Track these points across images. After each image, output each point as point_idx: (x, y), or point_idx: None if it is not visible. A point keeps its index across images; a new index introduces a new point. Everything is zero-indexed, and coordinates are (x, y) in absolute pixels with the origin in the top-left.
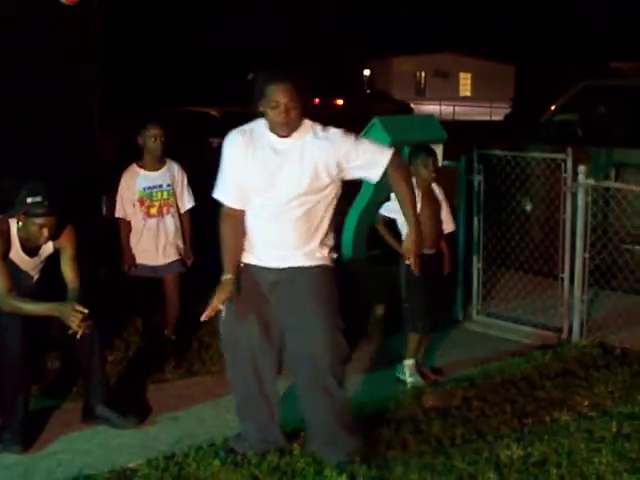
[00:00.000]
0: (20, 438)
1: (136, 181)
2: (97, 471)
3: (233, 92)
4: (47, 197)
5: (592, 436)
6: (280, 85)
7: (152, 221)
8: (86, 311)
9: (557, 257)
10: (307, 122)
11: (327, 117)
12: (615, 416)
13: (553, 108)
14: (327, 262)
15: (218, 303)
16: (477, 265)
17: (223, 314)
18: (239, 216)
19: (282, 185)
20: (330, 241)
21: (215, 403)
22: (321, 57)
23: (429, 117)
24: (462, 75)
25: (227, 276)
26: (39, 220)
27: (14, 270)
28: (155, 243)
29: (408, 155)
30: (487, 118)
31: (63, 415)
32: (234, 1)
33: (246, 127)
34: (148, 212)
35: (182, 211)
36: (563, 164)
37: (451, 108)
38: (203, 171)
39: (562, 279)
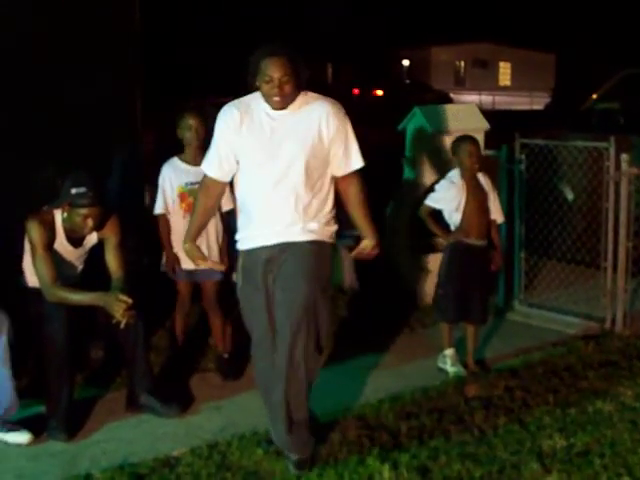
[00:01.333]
0: (65, 426)
1: (177, 175)
2: (141, 459)
3: None
4: (91, 188)
5: (636, 426)
6: (273, 59)
7: None
8: (130, 301)
9: (600, 246)
10: (303, 93)
11: (366, 107)
12: None
13: (594, 97)
14: (322, 237)
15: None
16: (519, 255)
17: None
18: (216, 189)
19: (280, 154)
20: (330, 214)
21: (258, 392)
22: (360, 48)
23: (470, 106)
24: (502, 64)
25: (187, 245)
26: (83, 210)
27: (59, 261)
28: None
29: (451, 145)
30: (527, 107)
31: (107, 404)
32: None
33: (242, 99)
34: (190, 210)
35: (221, 211)
36: (606, 153)
37: (491, 98)
38: None
39: (605, 268)
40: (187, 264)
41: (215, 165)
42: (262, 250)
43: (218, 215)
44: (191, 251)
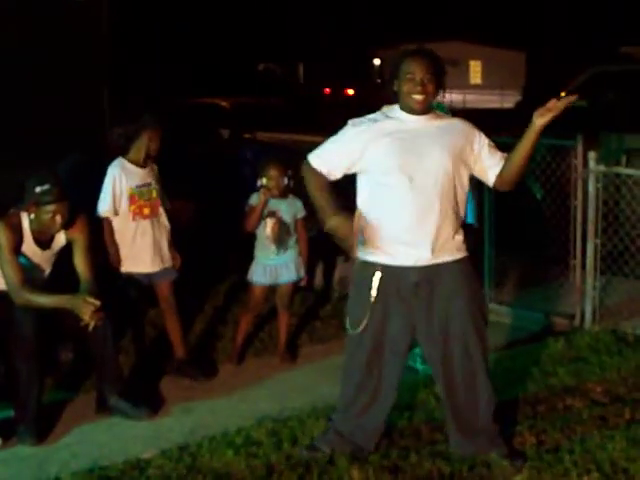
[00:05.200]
0: (34, 430)
1: (127, 177)
2: (111, 462)
3: (243, 83)
4: (56, 184)
5: (605, 423)
6: (418, 58)
7: (146, 223)
8: (98, 303)
9: (568, 243)
10: (434, 110)
11: (338, 107)
12: (628, 402)
13: (563, 94)
14: (466, 252)
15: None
16: (489, 253)
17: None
18: (323, 176)
19: (420, 164)
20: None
21: (228, 394)
22: (331, 47)
23: (437, 105)
24: (472, 63)
25: (334, 219)
26: (51, 207)
27: (26, 263)
28: (152, 247)
29: None
30: (498, 106)
31: (77, 407)
32: None
33: (371, 116)
34: (141, 213)
35: (166, 207)
36: (573, 150)
37: (462, 96)
38: (214, 163)
39: (574, 266)
40: (139, 267)
41: (325, 158)
42: (409, 270)
43: (164, 213)
44: (343, 224)
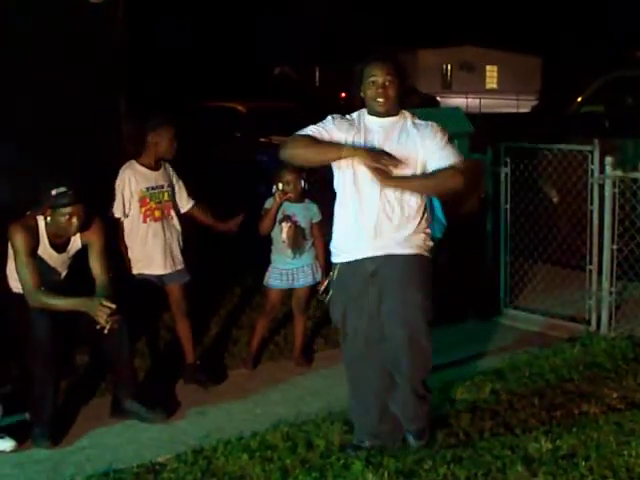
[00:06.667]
0: (49, 433)
1: (138, 179)
2: (126, 466)
3: (260, 87)
4: (71, 186)
5: (621, 429)
6: (378, 62)
7: (157, 225)
8: (114, 306)
9: (585, 249)
10: (405, 112)
11: (353, 111)
12: None
13: (579, 100)
14: (423, 251)
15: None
16: (505, 258)
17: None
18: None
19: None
20: (426, 228)
21: (243, 397)
22: (346, 51)
23: (455, 110)
24: (488, 68)
25: (345, 148)
26: (67, 209)
27: (42, 266)
28: (162, 249)
29: None
30: (514, 110)
31: (92, 410)
32: None
33: (350, 115)
34: (152, 215)
35: (183, 211)
36: (590, 156)
37: (477, 101)
38: (230, 167)
39: (590, 271)
40: (150, 268)
41: (312, 130)
42: (366, 261)
43: (176, 218)
44: (357, 150)
